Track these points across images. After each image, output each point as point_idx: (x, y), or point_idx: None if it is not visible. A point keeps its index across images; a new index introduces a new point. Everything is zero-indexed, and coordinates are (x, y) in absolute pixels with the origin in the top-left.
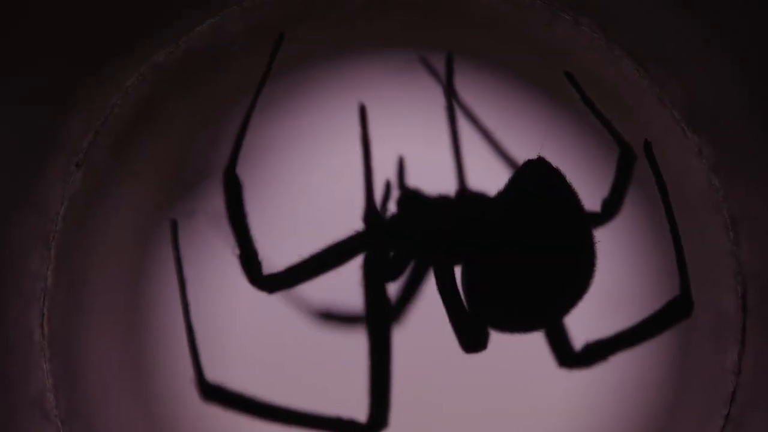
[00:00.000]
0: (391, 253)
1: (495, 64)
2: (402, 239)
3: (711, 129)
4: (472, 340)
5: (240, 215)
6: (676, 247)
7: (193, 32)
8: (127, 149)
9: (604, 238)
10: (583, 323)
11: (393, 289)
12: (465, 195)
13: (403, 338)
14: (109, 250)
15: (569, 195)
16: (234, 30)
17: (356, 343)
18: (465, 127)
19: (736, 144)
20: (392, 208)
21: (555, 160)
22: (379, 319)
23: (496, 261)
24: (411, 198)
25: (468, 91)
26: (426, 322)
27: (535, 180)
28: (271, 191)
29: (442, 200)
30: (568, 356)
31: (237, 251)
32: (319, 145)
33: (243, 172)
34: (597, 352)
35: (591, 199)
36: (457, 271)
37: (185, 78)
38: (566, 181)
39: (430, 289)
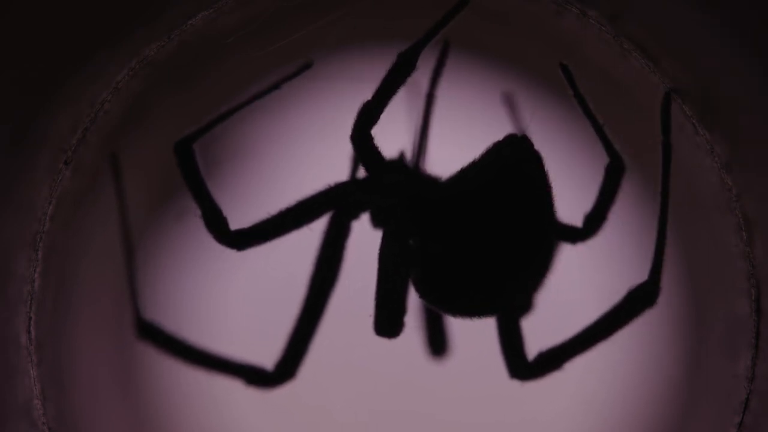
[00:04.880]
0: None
1: (503, 57)
2: (376, 198)
3: (724, 126)
4: (387, 323)
5: (197, 178)
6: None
7: (186, 25)
8: (118, 147)
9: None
10: None
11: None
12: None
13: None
14: (99, 251)
15: (541, 182)
16: (228, 23)
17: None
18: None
19: (749, 141)
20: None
21: (558, 160)
22: (326, 278)
23: (453, 237)
24: (398, 164)
25: (474, 83)
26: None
27: (511, 156)
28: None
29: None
30: (520, 366)
31: (199, 212)
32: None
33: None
34: (551, 359)
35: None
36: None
37: (177, 73)
38: (543, 168)
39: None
